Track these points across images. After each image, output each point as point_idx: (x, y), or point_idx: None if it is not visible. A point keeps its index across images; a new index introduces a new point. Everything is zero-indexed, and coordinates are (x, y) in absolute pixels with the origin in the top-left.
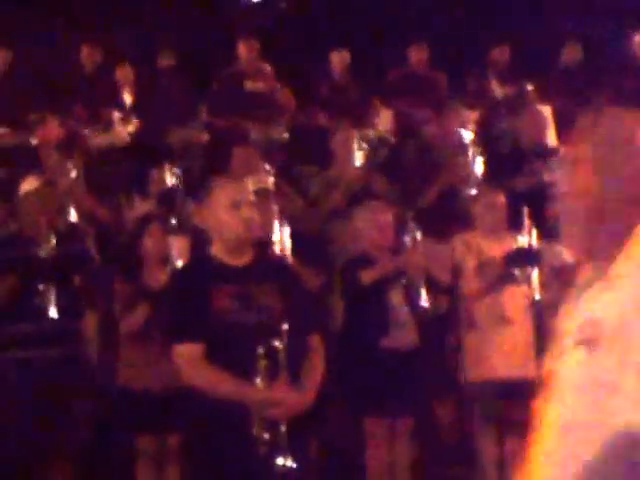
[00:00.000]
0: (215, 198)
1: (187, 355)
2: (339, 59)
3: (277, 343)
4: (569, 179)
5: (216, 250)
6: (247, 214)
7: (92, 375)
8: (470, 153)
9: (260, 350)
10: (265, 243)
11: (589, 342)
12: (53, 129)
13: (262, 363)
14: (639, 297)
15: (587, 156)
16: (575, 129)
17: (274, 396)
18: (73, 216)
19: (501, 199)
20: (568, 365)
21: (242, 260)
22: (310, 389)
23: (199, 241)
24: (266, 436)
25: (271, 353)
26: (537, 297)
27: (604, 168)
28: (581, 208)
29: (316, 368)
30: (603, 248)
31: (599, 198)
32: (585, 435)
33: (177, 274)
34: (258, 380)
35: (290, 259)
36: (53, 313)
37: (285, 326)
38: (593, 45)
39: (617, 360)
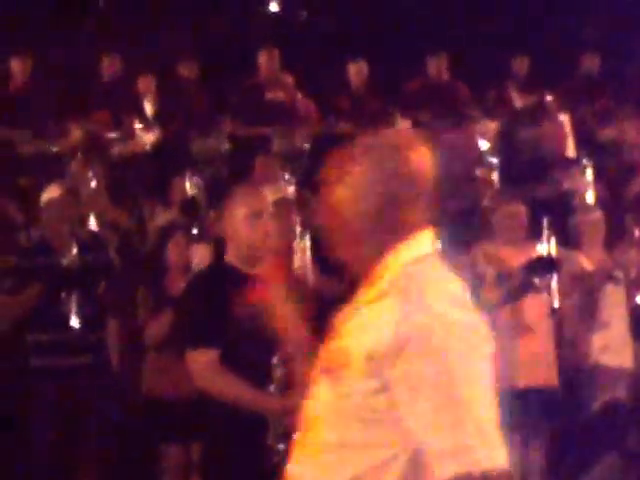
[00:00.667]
0: (235, 207)
1: (202, 361)
2: (357, 70)
3: (292, 352)
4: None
5: (232, 258)
6: (266, 224)
7: (116, 383)
8: (489, 163)
9: (275, 359)
10: (282, 252)
11: (332, 371)
12: (75, 137)
13: (277, 372)
14: (382, 328)
15: (353, 177)
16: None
17: (289, 405)
18: (95, 224)
19: (522, 209)
20: (319, 392)
21: (257, 269)
22: None
23: (219, 249)
24: (281, 445)
25: (286, 362)
26: (556, 305)
27: (365, 193)
28: (330, 227)
29: None
30: (357, 273)
31: (350, 221)
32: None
33: (193, 281)
34: (272, 388)
35: (311, 268)
36: (76, 321)
37: None
38: (612, 54)
39: (368, 389)
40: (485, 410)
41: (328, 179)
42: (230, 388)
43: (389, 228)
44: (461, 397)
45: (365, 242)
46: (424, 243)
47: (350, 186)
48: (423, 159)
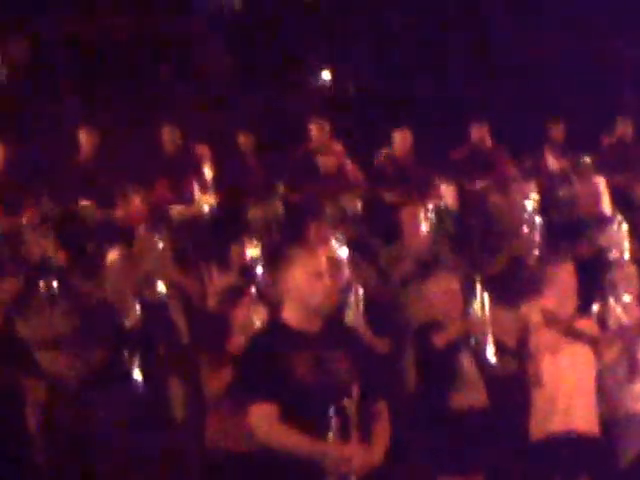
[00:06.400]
0: (293, 268)
1: (262, 415)
2: (402, 137)
3: (348, 404)
4: None
5: (289, 316)
6: (326, 283)
7: (179, 438)
8: (533, 222)
9: (332, 410)
10: (337, 310)
11: None
12: (138, 204)
13: (334, 423)
14: None
15: None
16: None
17: (347, 452)
18: (161, 287)
19: (569, 266)
20: None
21: (314, 326)
22: (379, 447)
23: (277, 309)
24: None
25: (342, 413)
26: (599, 355)
27: None
28: None
29: (383, 428)
30: None
31: None
32: None
33: (253, 338)
34: (330, 438)
35: (363, 325)
36: (139, 379)
37: (355, 388)
38: None
39: None
40: None
41: None
42: (290, 440)
43: None
44: None
45: None
46: None
47: None
48: None
